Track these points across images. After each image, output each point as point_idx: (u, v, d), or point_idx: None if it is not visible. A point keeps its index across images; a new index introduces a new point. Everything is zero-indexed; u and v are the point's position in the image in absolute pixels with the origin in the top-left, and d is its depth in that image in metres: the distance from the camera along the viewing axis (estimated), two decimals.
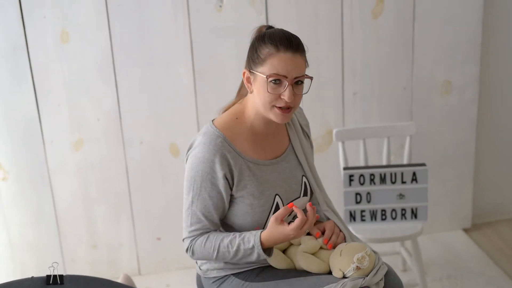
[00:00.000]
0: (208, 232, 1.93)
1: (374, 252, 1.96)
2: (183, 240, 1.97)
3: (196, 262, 2.14)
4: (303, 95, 1.88)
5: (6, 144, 2.87)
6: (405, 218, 2.69)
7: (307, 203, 1.94)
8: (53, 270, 2.07)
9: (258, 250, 1.85)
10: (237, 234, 1.90)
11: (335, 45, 2.99)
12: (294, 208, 1.84)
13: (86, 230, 3.08)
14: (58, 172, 2.96)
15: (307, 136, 2.12)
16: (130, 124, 2.95)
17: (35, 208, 3.00)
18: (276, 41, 1.82)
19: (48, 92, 2.84)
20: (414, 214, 2.68)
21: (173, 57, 2.88)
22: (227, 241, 1.89)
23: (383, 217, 2.69)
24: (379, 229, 2.66)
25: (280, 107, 1.84)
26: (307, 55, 1.87)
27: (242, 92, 2.02)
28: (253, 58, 1.86)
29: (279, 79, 1.81)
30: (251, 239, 1.86)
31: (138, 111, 2.94)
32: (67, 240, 3.07)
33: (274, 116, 1.86)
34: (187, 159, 1.94)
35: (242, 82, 1.99)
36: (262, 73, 1.83)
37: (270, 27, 1.92)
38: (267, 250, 1.88)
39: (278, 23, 2.84)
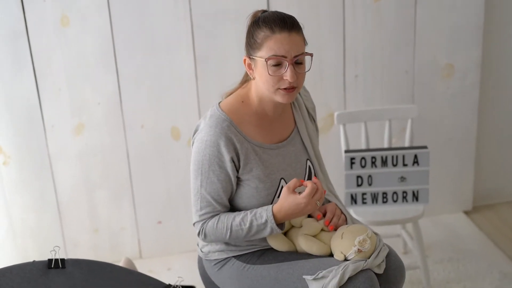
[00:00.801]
0: (218, 214, 1.93)
1: (375, 233, 1.96)
2: (194, 224, 1.97)
3: (198, 244, 2.15)
4: (306, 73, 1.87)
5: (7, 128, 2.87)
6: (406, 201, 2.69)
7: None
8: (55, 254, 2.08)
9: (271, 224, 1.86)
10: (248, 211, 1.90)
11: (337, 28, 2.98)
12: (304, 182, 1.85)
13: (87, 214, 3.08)
14: (59, 157, 2.96)
15: (313, 119, 2.12)
16: (131, 109, 2.94)
17: (36, 193, 3.00)
18: (270, 23, 1.82)
19: (49, 77, 2.83)
20: (416, 197, 2.68)
21: (174, 41, 2.87)
22: (239, 219, 1.89)
23: (384, 200, 2.69)
24: (380, 212, 2.66)
25: (284, 88, 1.84)
26: (304, 32, 1.86)
27: (247, 78, 2.01)
28: (251, 44, 1.86)
29: (279, 61, 1.81)
30: (263, 214, 1.87)
31: (139, 95, 2.93)
32: (68, 225, 3.08)
33: (279, 97, 1.86)
34: (193, 143, 1.94)
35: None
36: (261, 57, 1.82)
37: (265, 11, 1.91)
38: (280, 225, 1.89)
39: (280, 7, 2.85)
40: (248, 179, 1.91)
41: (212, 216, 1.93)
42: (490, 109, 3.33)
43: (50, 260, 2.09)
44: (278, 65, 1.82)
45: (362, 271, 1.82)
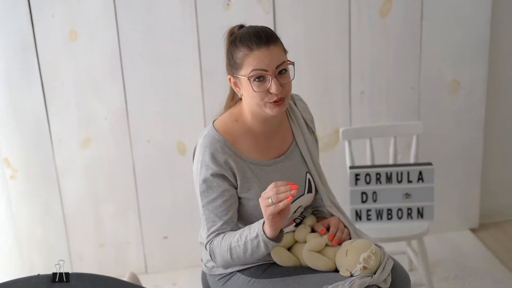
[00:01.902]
0: (224, 232, 1.90)
1: (379, 246, 1.96)
2: (205, 247, 1.95)
3: (202, 259, 2.15)
4: (292, 81, 1.86)
5: (14, 142, 2.89)
6: (411, 217, 2.68)
7: (312, 197, 1.95)
8: (59, 267, 2.09)
9: (262, 237, 1.76)
10: (244, 228, 1.86)
11: (343, 44, 2.99)
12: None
13: (93, 228, 3.09)
14: (66, 171, 2.98)
15: (312, 131, 2.12)
16: (138, 123, 2.96)
17: (43, 206, 3.02)
18: (246, 41, 1.82)
19: (56, 90, 2.86)
20: (420, 214, 2.68)
21: (181, 56, 2.89)
22: (238, 235, 1.84)
23: (389, 216, 2.69)
24: (385, 229, 2.66)
25: (273, 101, 1.84)
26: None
27: (234, 99, 2.02)
28: (231, 64, 1.88)
29: (261, 76, 1.81)
30: (256, 227, 1.80)
31: (146, 109, 2.95)
32: (74, 238, 3.09)
33: (269, 110, 1.86)
34: (193, 164, 1.96)
35: (230, 89, 2.02)
36: (244, 75, 1.83)
37: (241, 26, 1.92)
38: (276, 238, 1.78)
39: (286, 22, 2.87)
40: (247, 197, 1.91)
41: (218, 235, 1.91)
42: (497, 126, 3.32)
43: (54, 274, 2.09)
44: (261, 79, 1.82)
45: (368, 287, 1.82)
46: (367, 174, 2.65)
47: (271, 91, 1.82)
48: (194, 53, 2.89)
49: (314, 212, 2.13)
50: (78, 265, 3.10)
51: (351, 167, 2.68)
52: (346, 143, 2.78)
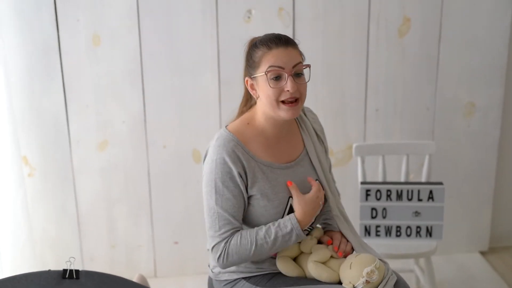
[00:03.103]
0: (239, 230, 1.93)
1: (384, 262, 1.98)
2: (212, 248, 1.93)
3: (209, 265, 2.18)
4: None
5: (34, 141, 2.96)
6: (420, 235, 2.70)
7: (321, 207, 2.00)
8: (70, 264, 2.13)
9: (297, 231, 1.91)
10: (270, 224, 1.92)
11: (360, 61, 3.03)
12: (308, 179, 1.98)
13: (106, 229, 3.14)
14: (82, 172, 3.04)
15: (322, 141, 2.15)
16: (155, 128, 3.02)
17: (58, 206, 3.07)
18: (266, 41, 1.91)
19: (77, 93, 2.93)
20: (429, 233, 2.69)
21: (200, 65, 2.94)
22: (263, 233, 1.90)
23: (398, 233, 2.71)
24: (393, 245, 2.67)
25: (287, 101, 1.88)
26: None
27: (248, 104, 2.07)
28: (250, 64, 1.95)
29: (278, 74, 1.87)
30: (287, 223, 1.91)
31: (163, 115, 3.00)
32: (87, 238, 3.14)
33: (283, 112, 1.90)
34: (204, 166, 1.98)
35: (245, 94, 2.07)
36: (261, 72, 1.89)
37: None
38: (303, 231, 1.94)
39: (304, 37, 2.92)
40: (257, 197, 1.94)
41: (233, 234, 1.92)
42: (511, 149, 3.33)
43: (65, 270, 2.13)
44: (278, 78, 1.88)
45: None
46: (378, 190, 2.68)
47: (286, 89, 1.87)
48: (213, 63, 2.95)
49: (323, 225, 2.16)
50: (89, 265, 3.15)
51: (362, 183, 2.71)
52: (359, 159, 2.81)
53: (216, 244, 1.92)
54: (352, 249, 2.07)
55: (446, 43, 3.04)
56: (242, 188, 1.92)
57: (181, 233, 3.19)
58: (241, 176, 1.91)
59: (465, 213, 3.32)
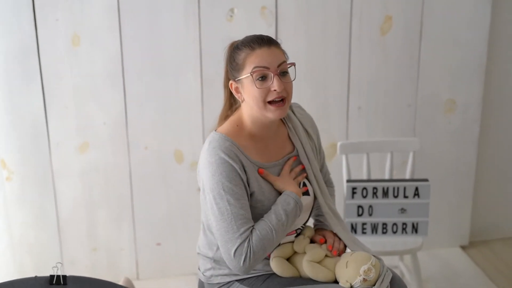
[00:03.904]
0: (254, 227, 1.87)
1: (378, 258, 1.98)
2: (235, 253, 1.82)
3: (199, 268, 2.15)
4: (293, 82, 1.92)
5: (12, 144, 2.89)
6: (406, 232, 2.72)
7: (311, 202, 2.01)
8: (57, 270, 2.09)
9: (299, 202, 1.92)
10: (271, 209, 1.90)
11: (343, 60, 3.03)
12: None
13: (86, 233, 3.09)
14: (62, 175, 2.98)
15: (312, 137, 2.12)
16: (136, 129, 2.97)
17: (37, 209, 3.01)
18: (248, 43, 1.90)
19: (57, 94, 2.87)
20: (415, 229, 2.71)
21: (182, 65, 2.91)
22: (274, 217, 1.87)
23: (384, 230, 2.72)
24: (379, 242, 2.69)
25: (274, 102, 1.87)
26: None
27: (233, 108, 2.04)
28: (233, 68, 1.92)
29: (264, 74, 1.86)
30: (287, 199, 1.90)
31: (145, 116, 2.96)
32: (67, 242, 3.08)
33: (270, 113, 1.88)
34: (201, 176, 1.92)
35: (228, 99, 2.04)
36: (246, 74, 1.88)
37: None
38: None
39: (287, 36, 2.91)
40: (252, 193, 1.92)
41: (252, 231, 1.85)
42: (490, 145, 3.38)
43: (52, 276, 2.10)
44: (263, 78, 1.86)
45: None
46: (364, 188, 2.69)
47: (273, 88, 1.86)
48: (195, 63, 2.92)
49: (314, 222, 2.16)
50: (70, 270, 3.09)
51: (348, 181, 2.71)
52: (344, 157, 2.81)
53: (238, 247, 1.82)
54: (345, 247, 2.07)
55: (427, 41, 3.07)
56: (245, 183, 1.89)
57: (164, 234, 3.16)
58: (241, 172, 1.88)
59: (446, 209, 3.35)
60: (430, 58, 3.09)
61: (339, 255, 2.02)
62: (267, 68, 1.86)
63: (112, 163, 3.00)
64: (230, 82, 1.96)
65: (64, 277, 2.11)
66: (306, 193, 2.04)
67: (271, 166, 1.98)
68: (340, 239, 2.07)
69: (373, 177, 3.07)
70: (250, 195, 1.92)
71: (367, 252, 2.02)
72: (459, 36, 3.08)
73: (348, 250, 2.08)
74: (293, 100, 2.02)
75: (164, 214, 3.12)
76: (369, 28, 2.99)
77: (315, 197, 2.08)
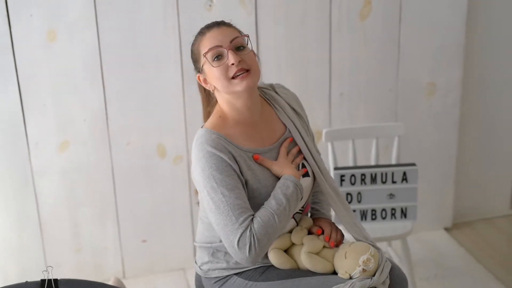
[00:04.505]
0: (254, 216, 1.83)
1: (377, 248, 1.97)
2: (238, 243, 1.78)
3: (196, 262, 2.11)
4: (255, 54, 1.92)
5: None
6: (395, 217, 2.72)
7: (311, 183, 1.99)
8: (48, 274, 2.04)
9: (298, 185, 1.88)
10: (271, 195, 1.86)
11: (323, 46, 3.01)
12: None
13: (70, 233, 3.02)
14: (43, 175, 2.90)
15: (300, 116, 2.09)
16: (117, 125, 2.91)
17: (18, 211, 2.92)
18: (199, 31, 1.93)
19: (34, 92, 2.78)
20: (404, 214, 2.71)
21: (162, 57, 2.85)
22: (274, 203, 1.83)
23: (373, 216, 2.72)
24: (369, 229, 2.65)
25: (237, 75, 1.85)
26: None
27: (211, 104, 2.03)
28: (194, 60, 1.95)
29: (219, 53, 1.86)
30: (286, 183, 1.87)
31: (125, 112, 2.90)
32: (50, 244, 3.01)
33: (238, 87, 1.86)
34: (193, 172, 1.89)
35: (203, 96, 2.04)
36: (203, 60, 1.89)
37: None
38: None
39: (267, 23, 2.88)
40: (247, 182, 1.88)
41: (252, 219, 1.81)
42: (471, 128, 3.40)
43: (43, 281, 2.05)
44: (219, 57, 1.86)
45: None
46: (352, 175, 2.68)
47: (230, 62, 1.84)
48: (175, 54, 2.86)
49: (312, 212, 2.13)
50: (55, 272, 2.98)
51: (335, 168, 2.70)
52: (329, 144, 2.79)
53: (240, 237, 1.78)
54: (343, 236, 2.06)
55: (407, 25, 3.06)
56: (238, 172, 1.85)
57: (149, 230, 3.10)
58: (232, 162, 1.85)
59: (429, 191, 3.37)
60: (410, 41, 3.09)
61: (337, 245, 2.00)
62: (220, 46, 1.85)
63: (94, 160, 2.94)
64: (197, 75, 1.96)
65: (56, 280, 2.06)
66: (306, 174, 2.00)
67: (266, 151, 1.95)
68: (337, 229, 2.05)
69: (358, 163, 3.07)
70: (245, 185, 1.88)
71: (366, 239, 2.01)
72: (438, 18, 3.08)
73: (346, 239, 2.06)
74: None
75: (148, 210, 3.07)
76: (348, 13, 2.97)
77: (314, 178, 2.04)
